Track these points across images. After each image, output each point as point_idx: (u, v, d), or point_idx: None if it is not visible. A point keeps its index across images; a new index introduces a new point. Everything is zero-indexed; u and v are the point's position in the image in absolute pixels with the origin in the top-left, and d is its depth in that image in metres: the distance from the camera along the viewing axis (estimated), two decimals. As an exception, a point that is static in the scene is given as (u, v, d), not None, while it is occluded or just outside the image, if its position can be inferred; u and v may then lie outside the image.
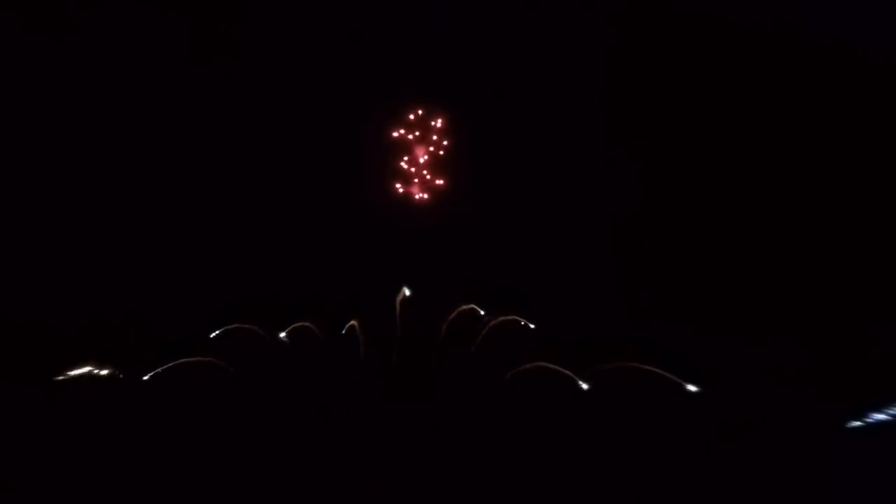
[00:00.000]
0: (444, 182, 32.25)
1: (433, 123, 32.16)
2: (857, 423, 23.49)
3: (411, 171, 32.28)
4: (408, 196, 32.16)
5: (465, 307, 29.44)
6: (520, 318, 29.05)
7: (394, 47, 31.16)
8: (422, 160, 32.41)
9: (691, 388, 24.61)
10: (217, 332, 27.59)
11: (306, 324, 28.24)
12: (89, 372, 25.92)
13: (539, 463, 23.06)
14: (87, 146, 29.60)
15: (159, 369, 25.89)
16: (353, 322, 28.54)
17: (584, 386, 25.90)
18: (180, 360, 26.17)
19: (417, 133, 31.90)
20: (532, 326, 28.60)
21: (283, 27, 30.99)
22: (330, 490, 21.77)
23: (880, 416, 23.56)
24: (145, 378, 25.96)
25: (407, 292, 30.31)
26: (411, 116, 31.82)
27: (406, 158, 32.04)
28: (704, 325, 27.88)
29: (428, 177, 32.42)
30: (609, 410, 25.26)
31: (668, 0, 30.54)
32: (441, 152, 32.47)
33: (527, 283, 31.02)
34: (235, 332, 27.57)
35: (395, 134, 31.81)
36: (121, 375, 26.05)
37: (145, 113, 30.20)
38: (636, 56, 31.16)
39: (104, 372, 26.04)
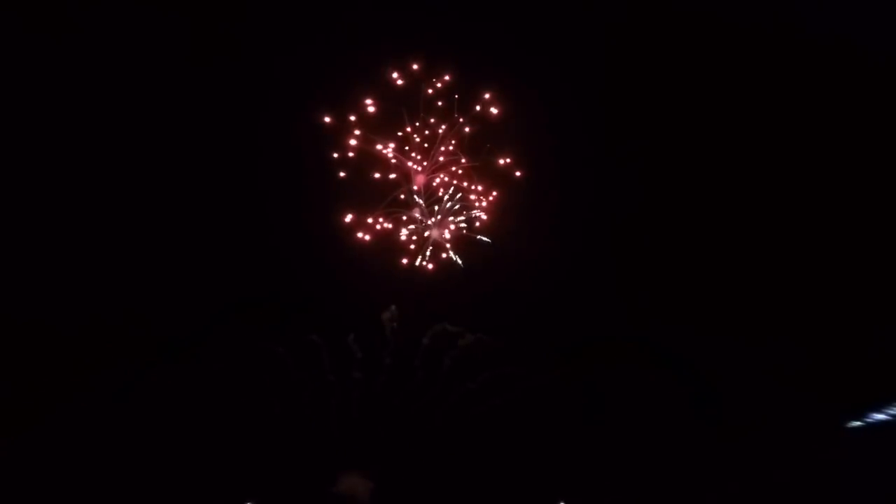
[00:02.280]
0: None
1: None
2: (857, 423, 23.47)
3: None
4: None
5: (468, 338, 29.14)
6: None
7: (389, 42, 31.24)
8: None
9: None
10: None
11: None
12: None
13: (531, 457, 23.06)
14: (85, 145, 29.79)
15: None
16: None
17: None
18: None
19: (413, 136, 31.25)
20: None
21: (283, 27, 31.19)
22: (311, 481, 21.76)
23: (880, 416, 23.53)
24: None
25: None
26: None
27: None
28: (704, 325, 27.87)
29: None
30: (607, 410, 25.25)
31: (668, 0, 30.62)
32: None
33: (526, 282, 31.32)
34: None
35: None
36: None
37: (143, 112, 30.33)
38: (635, 56, 31.22)
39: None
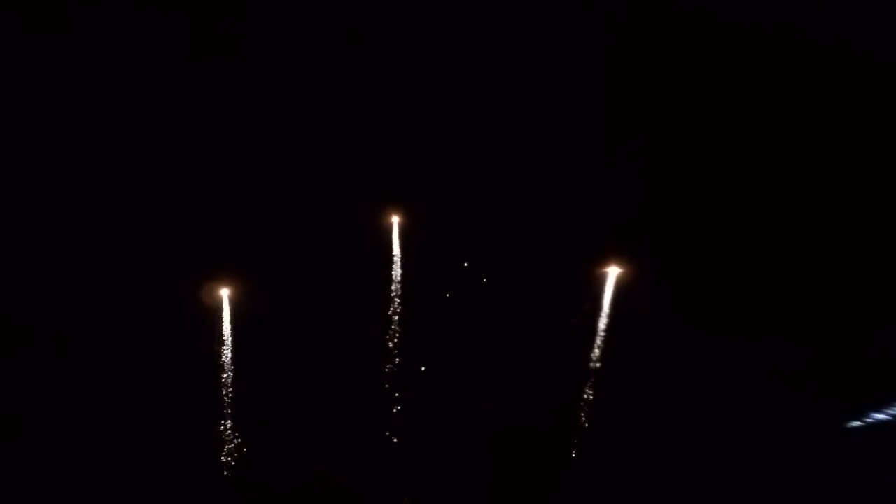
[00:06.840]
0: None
1: None
2: (857, 423, 23.53)
3: None
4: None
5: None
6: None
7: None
8: None
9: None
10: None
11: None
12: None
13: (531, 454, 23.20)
14: (84, 145, 29.78)
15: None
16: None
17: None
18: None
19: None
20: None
21: (283, 28, 31.18)
22: (280, 468, 21.93)
23: (880, 416, 23.59)
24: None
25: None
26: None
27: None
28: (704, 325, 27.90)
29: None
30: (607, 410, 25.29)
31: (668, 0, 30.64)
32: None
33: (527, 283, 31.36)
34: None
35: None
36: None
37: (142, 112, 30.36)
38: (636, 56, 31.23)
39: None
